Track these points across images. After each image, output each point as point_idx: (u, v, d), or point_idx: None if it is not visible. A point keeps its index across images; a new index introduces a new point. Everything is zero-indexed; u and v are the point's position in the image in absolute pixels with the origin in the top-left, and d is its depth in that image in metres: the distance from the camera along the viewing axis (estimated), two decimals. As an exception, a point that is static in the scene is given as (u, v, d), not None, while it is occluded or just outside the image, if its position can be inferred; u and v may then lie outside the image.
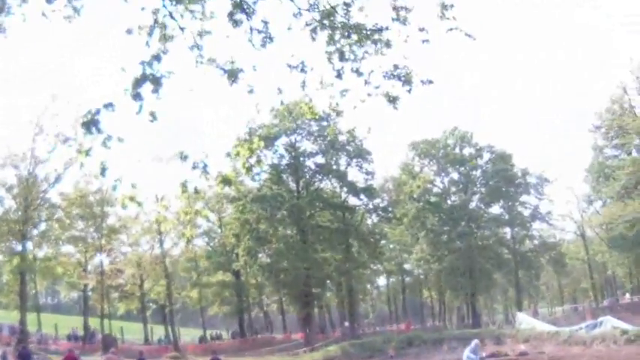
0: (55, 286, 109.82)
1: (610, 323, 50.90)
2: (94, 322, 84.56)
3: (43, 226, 71.19)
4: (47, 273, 79.11)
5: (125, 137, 9.43)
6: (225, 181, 11.31)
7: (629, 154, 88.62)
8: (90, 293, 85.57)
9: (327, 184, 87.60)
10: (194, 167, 10.17)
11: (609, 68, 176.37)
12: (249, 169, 11.27)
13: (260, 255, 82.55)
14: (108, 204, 75.97)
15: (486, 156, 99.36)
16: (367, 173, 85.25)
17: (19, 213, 62.65)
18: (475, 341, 34.28)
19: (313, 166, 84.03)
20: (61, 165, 64.04)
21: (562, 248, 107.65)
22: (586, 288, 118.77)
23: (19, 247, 64.43)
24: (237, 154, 11.22)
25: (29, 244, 69.07)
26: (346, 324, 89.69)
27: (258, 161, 11.53)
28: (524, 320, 66.77)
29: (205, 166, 10.16)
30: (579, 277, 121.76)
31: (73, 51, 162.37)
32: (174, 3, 9.41)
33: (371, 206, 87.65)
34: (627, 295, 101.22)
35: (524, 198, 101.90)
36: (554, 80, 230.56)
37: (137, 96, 9.11)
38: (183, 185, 10.42)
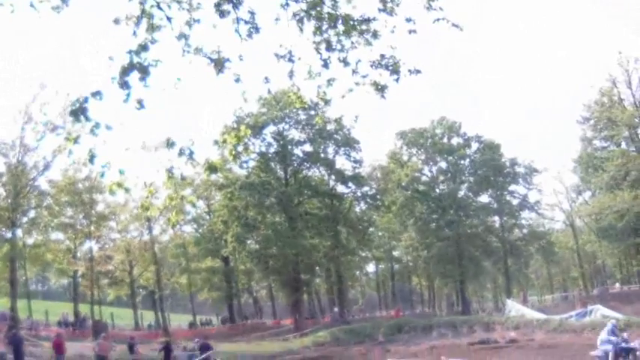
0: (45, 272, 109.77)
1: (600, 312, 51.24)
2: (84, 309, 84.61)
3: (32, 214, 71.16)
4: (37, 260, 79.27)
5: (113, 126, 9.53)
6: (212, 168, 11.35)
7: (618, 145, 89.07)
8: (80, 279, 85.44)
9: (316, 172, 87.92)
10: (180, 154, 10.13)
11: (598, 58, 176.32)
12: (236, 157, 11.28)
13: (249, 241, 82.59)
14: (97, 191, 75.90)
15: (475, 146, 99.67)
16: (355, 161, 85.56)
17: (9, 200, 62.52)
18: (612, 322, 34.22)
19: (301, 154, 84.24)
20: (50, 153, 64.10)
21: (551, 237, 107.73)
22: (576, 277, 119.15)
23: (9, 235, 64.34)
24: (225, 141, 11.27)
25: (19, 232, 69.03)
26: (335, 310, 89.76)
27: (246, 149, 11.63)
28: (514, 307, 67.04)
29: (192, 152, 10.14)
30: (569, 266, 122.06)
31: (61, 40, 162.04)
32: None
33: (359, 194, 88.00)
34: (617, 285, 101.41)
35: (512, 187, 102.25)
36: (543, 70, 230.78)
37: (124, 84, 9.18)
38: (169, 171, 10.47)
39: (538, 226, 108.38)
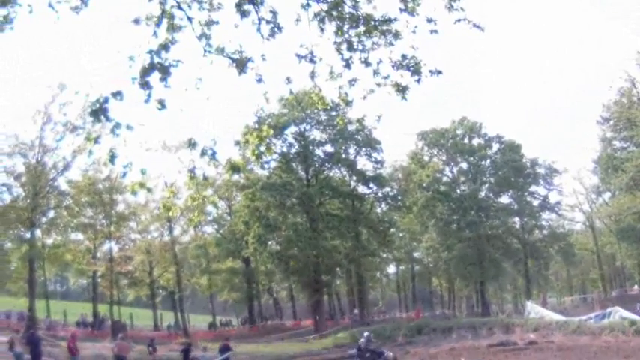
0: (64, 273, 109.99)
1: (618, 314, 50.83)
2: (103, 309, 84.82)
3: (51, 214, 71.27)
4: (56, 260, 79.39)
5: (134, 126, 9.50)
6: (234, 168, 11.38)
7: (638, 146, 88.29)
8: (99, 280, 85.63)
9: (337, 173, 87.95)
10: (202, 154, 10.21)
11: (617, 59, 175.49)
12: (258, 157, 11.32)
13: (270, 242, 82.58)
14: (117, 191, 75.98)
15: (495, 146, 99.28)
16: (376, 162, 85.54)
17: (28, 201, 62.74)
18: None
19: (322, 155, 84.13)
20: (70, 153, 64.31)
21: (571, 239, 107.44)
22: (595, 278, 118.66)
23: (28, 235, 64.55)
24: (247, 142, 11.27)
25: (38, 232, 69.26)
26: (356, 311, 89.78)
27: (268, 149, 11.64)
28: (534, 309, 66.70)
29: (214, 153, 10.19)
30: (588, 268, 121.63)
31: (81, 41, 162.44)
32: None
33: (380, 195, 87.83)
34: (636, 287, 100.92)
35: (533, 188, 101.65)
36: (564, 70, 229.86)
37: (145, 84, 9.16)
38: (191, 172, 10.47)
39: (558, 228, 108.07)
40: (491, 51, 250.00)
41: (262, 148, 11.22)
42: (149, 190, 10.96)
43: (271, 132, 11.44)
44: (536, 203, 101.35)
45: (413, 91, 10.85)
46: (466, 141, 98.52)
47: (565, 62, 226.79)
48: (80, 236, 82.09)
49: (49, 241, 76.39)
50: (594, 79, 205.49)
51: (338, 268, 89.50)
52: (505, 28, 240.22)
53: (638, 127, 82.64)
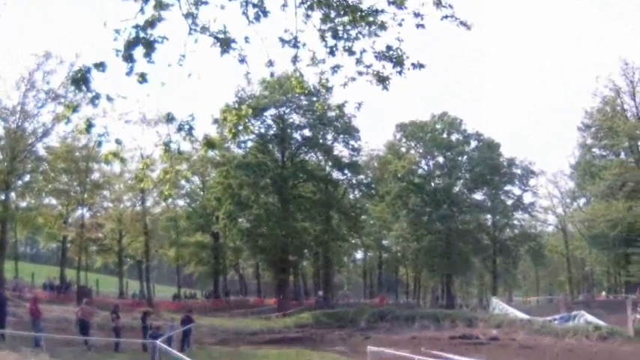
0: (35, 236, 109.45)
1: (583, 318, 51.26)
2: (70, 274, 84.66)
3: (27, 178, 70.90)
4: (28, 223, 79.08)
5: (115, 98, 9.67)
6: (210, 144, 11.53)
7: (617, 155, 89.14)
8: (69, 245, 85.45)
9: (313, 157, 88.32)
10: (180, 129, 10.25)
11: (599, 61, 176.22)
12: (235, 135, 11.43)
13: (240, 220, 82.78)
14: (93, 160, 75.70)
15: (473, 143, 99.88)
16: (353, 149, 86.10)
17: (5, 164, 62.36)
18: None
19: (300, 139, 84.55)
20: (50, 120, 64.22)
21: (542, 240, 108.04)
22: (563, 281, 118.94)
23: (2, 197, 64.31)
24: (225, 119, 11.40)
25: (12, 195, 69.05)
26: (320, 293, 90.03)
27: (245, 127, 11.69)
28: (498, 305, 67.19)
29: (191, 128, 10.24)
30: (557, 270, 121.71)
31: (69, 12, 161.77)
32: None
33: (354, 181, 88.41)
34: (603, 293, 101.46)
35: (508, 187, 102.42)
36: (547, 72, 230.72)
37: (129, 58, 9.30)
38: (166, 145, 10.58)
39: (530, 228, 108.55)
40: (483, 49, 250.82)
41: (240, 127, 11.35)
42: (122, 160, 11.10)
43: (250, 111, 11.58)
44: (509, 202, 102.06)
45: (396, 83, 11.01)
46: (445, 135, 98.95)
47: (552, 65, 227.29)
48: (53, 201, 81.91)
49: (23, 204, 76.05)
50: (580, 84, 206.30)
51: (306, 250, 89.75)
52: (500, 26, 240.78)
53: (619, 137, 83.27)
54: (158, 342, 28.36)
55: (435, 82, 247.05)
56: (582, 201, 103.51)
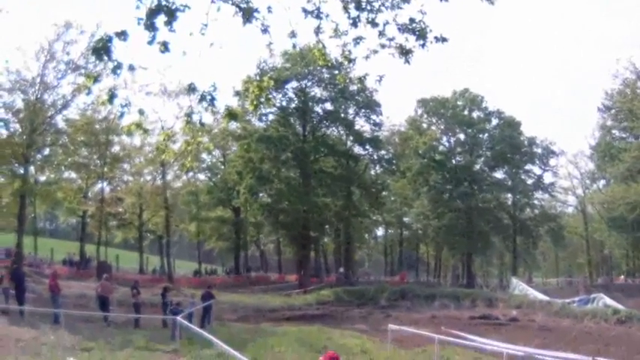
0: (54, 211, 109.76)
1: (602, 301, 50.97)
2: (90, 249, 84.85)
3: (46, 151, 70.61)
4: (47, 197, 78.93)
5: (136, 67, 9.46)
6: (232, 115, 11.31)
7: (637, 138, 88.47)
8: (88, 220, 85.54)
9: (334, 132, 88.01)
10: (201, 99, 10.19)
11: (621, 42, 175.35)
12: (257, 106, 11.27)
13: (261, 194, 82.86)
14: (113, 132, 75.57)
15: (495, 121, 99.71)
16: (375, 124, 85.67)
17: (24, 137, 62.07)
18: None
19: (321, 112, 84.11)
20: (70, 92, 63.89)
21: (562, 221, 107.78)
22: (582, 263, 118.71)
23: (21, 171, 64.16)
24: (247, 90, 11.30)
25: (32, 169, 68.94)
26: (341, 270, 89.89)
27: (267, 99, 11.54)
28: (518, 286, 66.97)
29: (213, 98, 10.20)
30: (576, 252, 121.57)
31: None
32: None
33: (375, 157, 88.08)
34: (622, 277, 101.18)
35: (528, 166, 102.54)
36: (575, 53, 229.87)
37: (150, 26, 9.06)
38: (188, 116, 10.41)
39: (550, 208, 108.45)
40: (505, 26, 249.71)
41: (262, 99, 11.13)
42: (145, 131, 10.93)
43: (272, 83, 11.38)
44: (530, 182, 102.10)
45: (419, 58, 10.74)
46: (466, 112, 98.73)
47: (575, 45, 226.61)
48: (73, 175, 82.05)
49: (42, 178, 76.06)
50: (602, 64, 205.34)
51: (327, 226, 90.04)
52: (525, 4, 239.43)
53: (639, 120, 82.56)
54: (179, 318, 28.22)
55: (457, 59, 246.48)
56: (602, 183, 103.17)
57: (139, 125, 10.50)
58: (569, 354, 27.68)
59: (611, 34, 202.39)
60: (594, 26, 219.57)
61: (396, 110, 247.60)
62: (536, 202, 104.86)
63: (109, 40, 8.96)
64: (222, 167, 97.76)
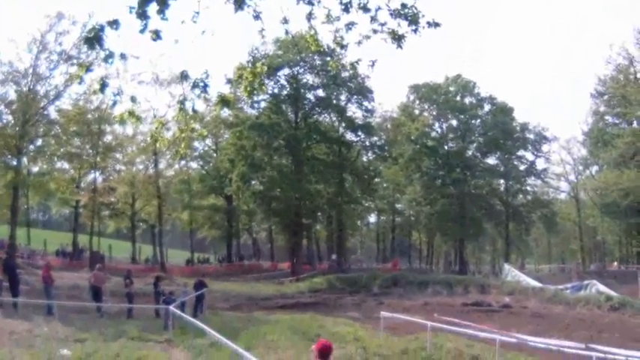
0: (47, 201, 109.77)
1: (595, 287, 51.15)
2: (83, 239, 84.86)
3: (39, 142, 70.68)
4: (40, 188, 79.06)
5: (128, 56, 9.50)
6: (224, 101, 11.31)
7: (630, 124, 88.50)
8: (81, 210, 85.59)
9: (326, 118, 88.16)
10: (194, 86, 10.25)
11: (614, 28, 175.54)
12: (250, 93, 11.29)
13: (253, 182, 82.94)
14: (106, 122, 75.62)
15: (487, 107, 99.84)
16: (367, 111, 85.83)
17: (17, 128, 62.12)
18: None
19: (313, 99, 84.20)
20: (62, 82, 63.87)
21: (554, 207, 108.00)
22: (575, 250, 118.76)
23: (14, 162, 64.19)
24: (240, 76, 11.24)
25: (24, 160, 68.99)
26: (333, 257, 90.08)
27: (261, 85, 11.52)
28: (511, 272, 67.13)
29: (206, 85, 10.25)
30: (569, 238, 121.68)
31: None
32: None
33: (368, 143, 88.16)
34: (615, 263, 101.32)
35: (521, 152, 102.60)
36: (568, 39, 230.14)
37: (142, 15, 9.07)
38: (181, 103, 10.43)
39: (542, 194, 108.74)
40: (498, 12, 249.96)
41: (256, 85, 11.15)
42: (139, 119, 10.94)
43: (265, 69, 11.44)
44: (522, 167, 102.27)
45: (411, 43, 10.78)
46: (458, 98, 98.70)
47: (567, 31, 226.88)
48: (66, 165, 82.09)
49: (35, 169, 76.23)
50: (594, 50, 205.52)
51: (319, 213, 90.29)
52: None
53: (632, 106, 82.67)
54: (171, 307, 28.26)
55: (449, 44, 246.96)
56: (595, 169, 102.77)
57: (131, 113, 10.53)
58: (562, 341, 27.78)
59: (608, 24, 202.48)
60: (590, 16, 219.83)
61: (389, 96, 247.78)
62: (528, 188, 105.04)
63: (101, 29, 8.98)
64: (215, 155, 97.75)
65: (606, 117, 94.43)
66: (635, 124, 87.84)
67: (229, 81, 72.08)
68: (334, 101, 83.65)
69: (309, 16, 10.53)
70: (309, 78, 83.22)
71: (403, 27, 10.51)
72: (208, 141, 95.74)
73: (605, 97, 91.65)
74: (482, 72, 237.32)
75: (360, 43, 10.90)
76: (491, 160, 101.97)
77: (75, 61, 60.51)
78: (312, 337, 25.37)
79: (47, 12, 65.68)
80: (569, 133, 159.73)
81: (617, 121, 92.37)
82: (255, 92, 11.46)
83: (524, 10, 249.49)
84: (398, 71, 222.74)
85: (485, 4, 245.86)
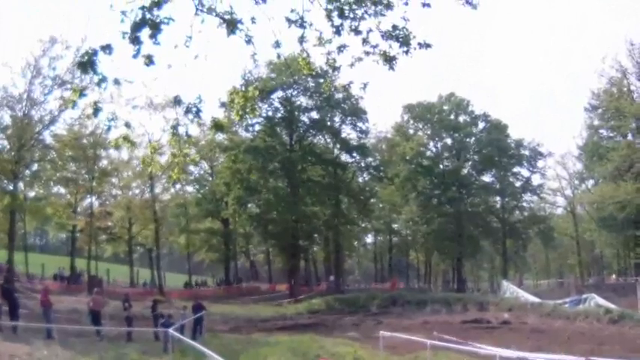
0: (44, 226, 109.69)
1: (594, 301, 51.05)
2: (80, 264, 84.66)
3: (35, 167, 70.66)
4: (37, 213, 78.98)
5: (122, 81, 9.54)
6: (218, 126, 11.43)
7: (625, 136, 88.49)
8: (78, 234, 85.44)
9: (321, 140, 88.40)
10: (187, 111, 10.32)
11: (606, 42, 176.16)
12: (242, 116, 11.35)
13: (249, 205, 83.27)
14: (101, 147, 75.53)
15: (481, 125, 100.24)
16: (361, 132, 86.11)
17: (12, 153, 62.10)
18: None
19: (307, 121, 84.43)
20: (57, 107, 63.86)
21: (551, 222, 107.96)
22: (573, 264, 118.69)
23: (11, 187, 64.10)
24: (232, 101, 11.28)
25: (20, 184, 68.86)
26: (331, 278, 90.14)
27: (253, 109, 11.57)
28: (509, 289, 67.08)
29: (199, 110, 10.30)
30: (567, 253, 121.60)
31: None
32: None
33: (363, 164, 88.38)
34: (613, 276, 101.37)
35: (516, 169, 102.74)
36: (556, 54, 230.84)
37: (135, 40, 9.13)
38: (174, 128, 10.49)
39: (539, 210, 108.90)
40: (490, 30, 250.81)
41: (247, 109, 11.20)
42: (133, 143, 10.98)
43: (257, 93, 11.48)
44: (518, 184, 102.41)
45: (404, 64, 10.88)
46: (452, 117, 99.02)
47: (559, 46, 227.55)
48: (62, 190, 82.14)
49: (31, 194, 76.19)
50: (587, 64, 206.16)
51: (316, 235, 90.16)
52: (507, 7, 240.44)
53: (626, 118, 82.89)
54: (170, 330, 28.26)
55: (442, 64, 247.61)
56: (590, 182, 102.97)
57: (126, 138, 10.58)
58: (562, 355, 27.78)
59: (597, 34, 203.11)
60: (579, 27, 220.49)
61: (383, 117, 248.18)
62: (525, 204, 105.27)
63: (94, 53, 9.01)
64: (210, 179, 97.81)
65: (601, 130, 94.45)
66: (629, 137, 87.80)
67: (223, 104, 72.28)
68: (328, 123, 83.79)
69: (301, 39, 10.60)
70: (302, 100, 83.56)
71: (395, 48, 10.61)
72: (204, 165, 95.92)
73: (599, 110, 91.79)
74: (476, 88, 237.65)
75: (352, 65, 10.98)
76: (487, 178, 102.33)
77: (69, 85, 60.49)
78: (312, 358, 25.47)
79: (40, 37, 65.58)
80: (565, 148, 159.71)
81: (611, 135, 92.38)
82: (246, 116, 11.53)
83: (517, 25, 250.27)
84: (391, 91, 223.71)
85: (478, 22, 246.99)
